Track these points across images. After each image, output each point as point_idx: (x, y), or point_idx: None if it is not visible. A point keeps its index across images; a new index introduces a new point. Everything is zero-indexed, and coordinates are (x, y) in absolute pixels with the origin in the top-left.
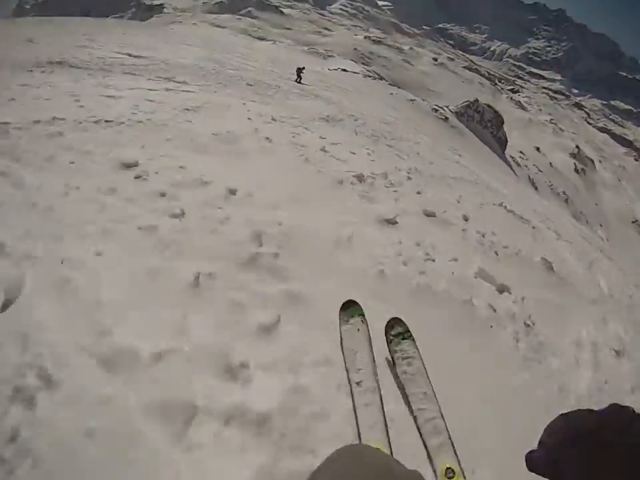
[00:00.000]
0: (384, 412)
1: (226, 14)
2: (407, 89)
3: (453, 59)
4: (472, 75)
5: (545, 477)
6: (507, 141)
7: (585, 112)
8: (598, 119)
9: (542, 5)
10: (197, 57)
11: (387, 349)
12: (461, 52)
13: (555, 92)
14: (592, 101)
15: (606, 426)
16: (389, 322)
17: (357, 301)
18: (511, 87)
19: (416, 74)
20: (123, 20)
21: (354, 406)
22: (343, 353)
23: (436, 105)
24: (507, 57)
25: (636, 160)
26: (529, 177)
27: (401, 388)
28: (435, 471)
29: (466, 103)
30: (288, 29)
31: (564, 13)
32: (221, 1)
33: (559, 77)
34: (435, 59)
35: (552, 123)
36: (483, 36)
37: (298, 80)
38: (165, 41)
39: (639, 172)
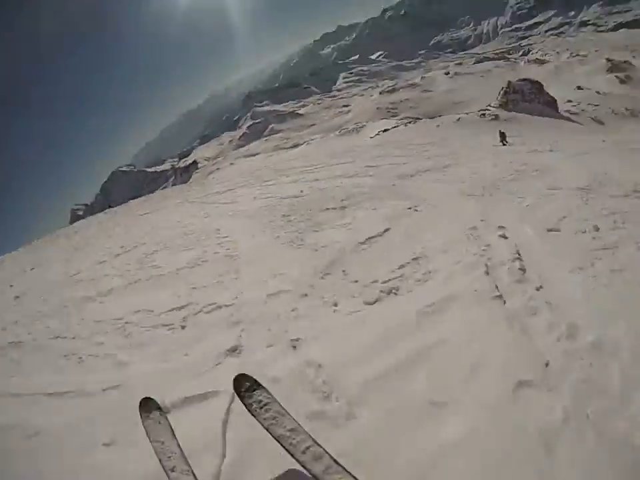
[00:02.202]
0: None
1: (253, 141)
2: (443, 113)
3: (460, 63)
4: (484, 65)
5: None
6: (555, 100)
7: (592, 24)
8: (606, 22)
9: None
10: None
11: (243, 405)
12: (462, 52)
13: (557, 28)
14: (591, 11)
15: None
16: (235, 380)
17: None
18: (521, 51)
19: (440, 96)
20: (167, 190)
21: None
22: (153, 447)
23: (478, 111)
24: (500, 29)
25: None
26: (590, 117)
27: (270, 433)
28: None
29: (503, 91)
30: (312, 125)
31: None
32: (244, 133)
33: (551, 13)
34: (447, 73)
35: (573, 56)
36: (470, 26)
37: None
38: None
39: None
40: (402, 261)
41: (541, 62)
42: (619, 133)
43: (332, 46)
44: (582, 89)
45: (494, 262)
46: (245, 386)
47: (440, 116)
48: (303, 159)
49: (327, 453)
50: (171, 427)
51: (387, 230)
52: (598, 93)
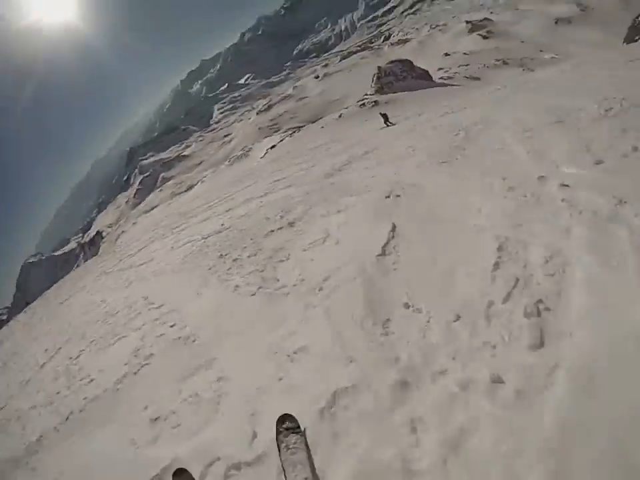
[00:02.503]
0: None
1: (148, 196)
2: (323, 114)
3: (327, 64)
4: (350, 59)
5: None
6: (427, 71)
7: None
8: None
9: None
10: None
11: (275, 439)
12: (326, 54)
13: (412, 6)
14: None
15: None
16: (280, 417)
17: None
18: (382, 37)
19: (316, 99)
20: (80, 269)
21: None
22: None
23: (357, 102)
24: (358, 23)
25: None
26: (464, 76)
27: (282, 472)
28: None
29: (375, 78)
30: (200, 162)
31: None
32: (137, 189)
33: None
34: (317, 76)
35: (432, 28)
36: (328, 28)
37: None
38: None
39: None
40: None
41: (404, 42)
42: (491, 84)
43: (199, 81)
44: (449, 55)
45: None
46: (287, 425)
47: (321, 118)
48: (204, 195)
49: None
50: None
51: (394, 228)
52: (465, 53)
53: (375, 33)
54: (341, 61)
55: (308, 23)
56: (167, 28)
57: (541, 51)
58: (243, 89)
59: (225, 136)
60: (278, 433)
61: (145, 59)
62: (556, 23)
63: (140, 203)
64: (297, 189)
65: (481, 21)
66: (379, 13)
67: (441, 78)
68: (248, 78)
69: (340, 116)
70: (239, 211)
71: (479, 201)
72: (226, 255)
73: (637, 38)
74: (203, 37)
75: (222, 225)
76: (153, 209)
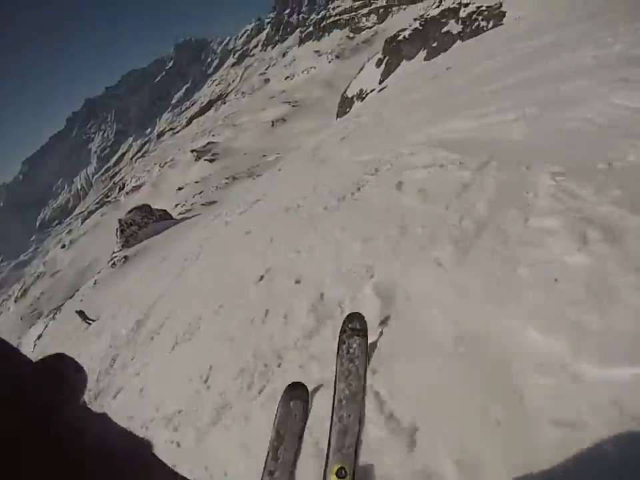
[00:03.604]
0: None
1: None
2: (79, 287)
3: (70, 231)
4: (91, 219)
5: None
6: (165, 210)
7: (169, 130)
8: (180, 121)
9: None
10: None
11: (338, 336)
12: (68, 218)
13: (140, 149)
14: (163, 120)
15: None
16: (351, 314)
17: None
18: (117, 188)
19: (68, 273)
20: None
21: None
22: (273, 428)
23: (108, 263)
24: (93, 178)
25: None
26: (202, 204)
27: (335, 378)
28: (325, 470)
29: (118, 233)
30: None
31: None
32: None
33: (131, 140)
34: (63, 246)
35: (162, 166)
36: (65, 189)
37: None
38: None
39: None
40: None
41: (138, 187)
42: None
43: None
44: (182, 188)
45: None
46: (354, 325)
47: (77, 290)
48: None
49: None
50: (304, 424)
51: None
52: (197, 182)
53: (110, 185)
54: (82, 222)
55: (46, 187)
56: None
57: (264, 155)
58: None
59: None
60: (342, 331)
61: None
62: (272, 125)
63: None
64: None
65: (205, 146)
66: (111, 163)
67: (180, 213)
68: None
69: (95, 282)
70: None
71: None
72: None
73: (347, 110)
74: None
75: None
76: None
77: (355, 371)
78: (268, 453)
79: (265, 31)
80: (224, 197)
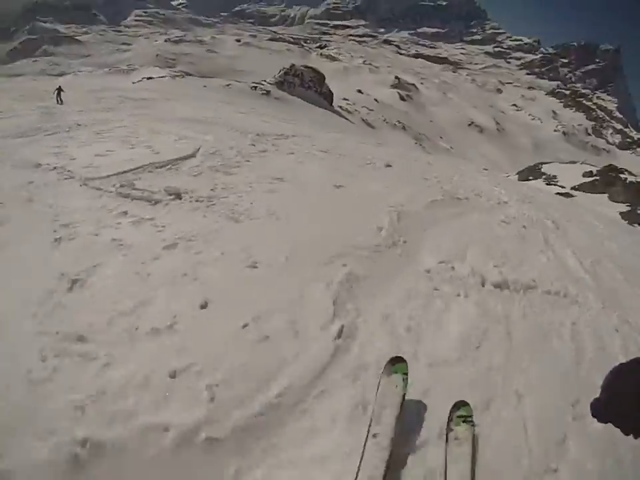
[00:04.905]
0: (386, 468)
1: (20, 59)
2: (219, 76)
3: (255, 36)
4: (278, 44)
5: (607, 422)
6: (332, 94)
7: (395, 45)
8: (409, 48)
9: None
10: None
11: (446, 425)
12: (262, 27)
13: (362, 36)
14: (399, 35)
15: None
16: (456, 403)
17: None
18: (318, 44)
19: (223, 60)
20: None
21: (362, 452)
22: (375, 399)
23: (254, 82)
24: (308, 19)
25: (454, 72)
26: (362, 118)
27: (444, 465)
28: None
29: (283, 71)
30: (87, 55)
31: None
32: (15, 47)
33: (362, 23)
34: (238, 40)
35: (366, 64)
36: (281, 5)
37: (59, 101)
38: None
39: (459, 81)
40: None
41: (333, 59)
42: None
43: None
44: (362, 93)
45: None
46: (461, 413)
47: (213, 78)
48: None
49: None
50: (403, 399)
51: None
52: (376, 100)
53: (315, 35)
54: (269, 40)
55: None
56: None
57: (441, 137)
58: (170, 11)
59: (124, 44)
60: (449, 420)
61: None
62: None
63: (8, 63)
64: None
65: (409, 83)
66: (331, 23)
67: (340, 107)
68: (181, 4)
69: (228, 85)
70: None
71: None
72: None
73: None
74: None
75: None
76: (17, 75)
77: (464, 457)
78: (371, 419)
79: None
80: (384, 132)
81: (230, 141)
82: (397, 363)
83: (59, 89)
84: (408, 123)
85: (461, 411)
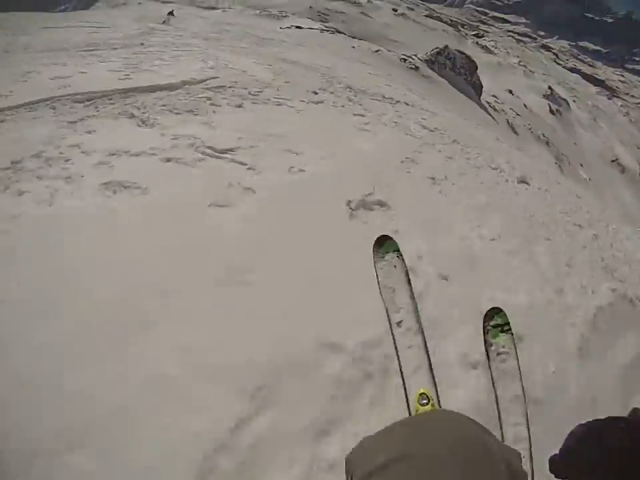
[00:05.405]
0: (428, 354)
1: None
2: (369, 41)
3: (413, 9)
4: (434, 23)
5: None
6: (482, 86)
7: (553, 53)
8: (567, 60)
9: None
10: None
11: (483, 339)
12: (421, 1)
13: (521, 35)
14: (559, 43)
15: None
16: (488, 311)
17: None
18: (475, 32)
19: (377, 26)
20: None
21: (396, 349)
22: (380, 292)
23: (404, 55)
24: (468, 3)
25: (609, 99)
26: (508, 121)
27: (492, 385)
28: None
29: (436, 50)
30: None
31: None
32: None
33: (523, 20)
34: (395, 10)
35: (521, 65)
36: None
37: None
38: None
39: (612, 110)
40: None
41: (489, 51)
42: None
43: None
44: (512, 94)
45: None
46: (495, 321)
47: (363, 40)
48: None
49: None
50: (407, 274)
51: None
52: (525, 106)
53: (473, 22)
54: (426, 16)
55: None
56: None
57: (581, 165)
58: None
59: None
60: (485, 332)
61: None
62: None
63: None
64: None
65: (561, 98)
66: (492, 14)
67: (488, 102)
68: None
69: (377, 51)
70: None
71: None
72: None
73: None
74: None
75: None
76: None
77: (512, 372)
78: (386, 308)
79: None
80: (531, 147)
81: None
82: (384, 243)
83: (171, 13)
84: (552, 139)
85: (495, 320)
